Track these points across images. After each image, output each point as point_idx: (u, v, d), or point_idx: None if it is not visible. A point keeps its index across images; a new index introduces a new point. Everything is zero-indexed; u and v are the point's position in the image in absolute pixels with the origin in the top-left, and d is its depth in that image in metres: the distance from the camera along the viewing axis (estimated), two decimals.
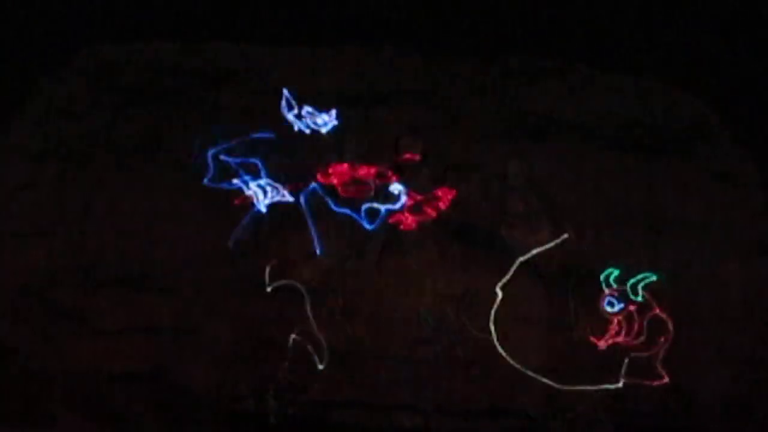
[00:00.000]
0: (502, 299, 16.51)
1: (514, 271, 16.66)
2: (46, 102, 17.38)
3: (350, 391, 16.38)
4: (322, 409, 16.35)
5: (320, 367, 16.17)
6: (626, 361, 16.42)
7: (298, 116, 17.06)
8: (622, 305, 16.58)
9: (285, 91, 17.09)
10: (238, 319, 16.48)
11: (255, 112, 17.24)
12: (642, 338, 16.54)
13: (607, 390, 16.41)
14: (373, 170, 16.95)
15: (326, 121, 17.12)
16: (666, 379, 16.47)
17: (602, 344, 16.50)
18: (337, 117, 17.13)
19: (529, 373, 16.40)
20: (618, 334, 16.55)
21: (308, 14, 18.80)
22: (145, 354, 16.27)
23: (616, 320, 16.57)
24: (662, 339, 16.55)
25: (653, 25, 19.10)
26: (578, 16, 18.94)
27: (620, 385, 16.41)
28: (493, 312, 16.48)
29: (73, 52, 17.70)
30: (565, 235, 16.80)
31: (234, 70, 17.69)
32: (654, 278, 16.59)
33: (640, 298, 16.55)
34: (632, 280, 16.58)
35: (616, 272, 16.61)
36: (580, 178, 17.30)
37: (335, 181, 16.87)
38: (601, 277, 16.65)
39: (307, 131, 17.07)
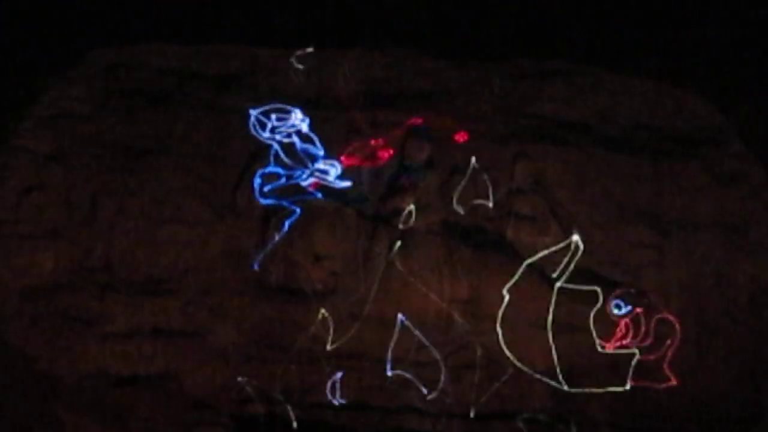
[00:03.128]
0: (509, 302, 16.51)
1: (522, 274, 16.66)
2: (53, 104, 17.35)
3: (357, 394, 16.40)
4: (329, 411, 16.36)
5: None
6: (634, 363, 16.40)
7: (272, 130, 17.05)
8: (629, 308, 16.57)
9: (252, 112, 17.02)
10: (244, 322, 16.50)
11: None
12: (649, 341, 16.53)
13: (615, 393, 16.39)
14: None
15: (300, 119, 17.08)
16: (674, 382, 16.46)
17: (609, 347, 16.49)
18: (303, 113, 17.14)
19: (537, 375, 16.39)
20: (625, 336, 16.54)
21: (313, 17, 18.84)
22: (151, 357, 16.30)
23: (623, 323, 16.57)
24: (670, 341, 16.53)
25: (660, 26, 19.09)
26: (585, 17, 18.95)
27: (627, 387, 16.39)
28: (500, 315, 16.46)
29: (81, 54, 17.71)
30: (580, 247, 16.79)
31: (240, 73, 17.73)
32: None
33: (649, 296, 16.56)
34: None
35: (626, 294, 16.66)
36: (588, 180, 17.26)
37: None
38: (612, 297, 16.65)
39: (286, 140, 17.09)
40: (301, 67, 17.51)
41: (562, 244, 16.75)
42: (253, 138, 17.15)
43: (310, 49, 17.54)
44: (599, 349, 16.46)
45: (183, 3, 18.68)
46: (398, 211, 17.00)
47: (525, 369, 16.38)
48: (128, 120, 17.25)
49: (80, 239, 16.67)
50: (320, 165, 16.94)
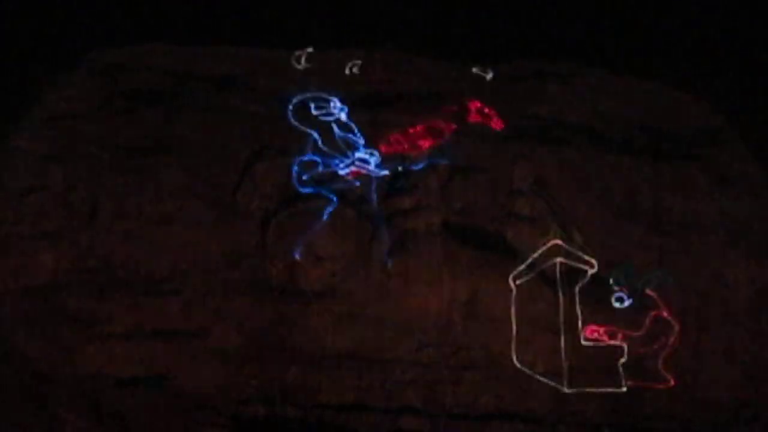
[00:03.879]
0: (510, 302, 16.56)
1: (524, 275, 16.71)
2: (53, 105, 17.39)
3: (357, 395, 16.42)
4: (329, 411, 16.37)
5: None
6: (632, 364, 16.42)
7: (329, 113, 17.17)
8: (630, 301, 16.58)
9: (291, 100, 17.13)
10: (244, 323, 16.49)
11: (261, 115, 17.27)
12: (648, 338, 16.54)
13: (614, 392, 16.40)
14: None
15: (339, 108, 17.16)
16: (671, 382, 16.48)
17: (607, 340, 16.49)
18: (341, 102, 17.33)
19: (537, 376, 16.40)
20: (624, 332, 16.55)
21: (314, 19, 18.88)
22: (152, 357, 16.27)
23: (622, 318, 16.57)
24: (668, 341, 16.54)
25: (660, 28, 19.14)
26: (585, 19, 19.00)
27: (626, 388, 16.40)
28: (513, 305, 16.49)
29: (81, 55, 17.75)
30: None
31: (240, 74, 17.73)
32: (661, 276, 16.57)
33: (649, 293, 16.56)
34: (641, 280, 16.58)
35: (627, 269, 16.60)
36: (587, 180, 17.29)
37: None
38: (612, 275, 16.63)
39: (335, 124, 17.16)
40: (300, 66, 17.51)
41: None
42: (254, 138, 17.18)
43: (309, 49, 17.52)
44: (583, 342, 16.43)
45: (183, 4, 18.71)
46: (398, 211, 17.00)
47: (525, 370, 16.38)
48: (128, 120, 17.26)
49: (80, 240, 16.64)
50: (360, 154, 16.91)
